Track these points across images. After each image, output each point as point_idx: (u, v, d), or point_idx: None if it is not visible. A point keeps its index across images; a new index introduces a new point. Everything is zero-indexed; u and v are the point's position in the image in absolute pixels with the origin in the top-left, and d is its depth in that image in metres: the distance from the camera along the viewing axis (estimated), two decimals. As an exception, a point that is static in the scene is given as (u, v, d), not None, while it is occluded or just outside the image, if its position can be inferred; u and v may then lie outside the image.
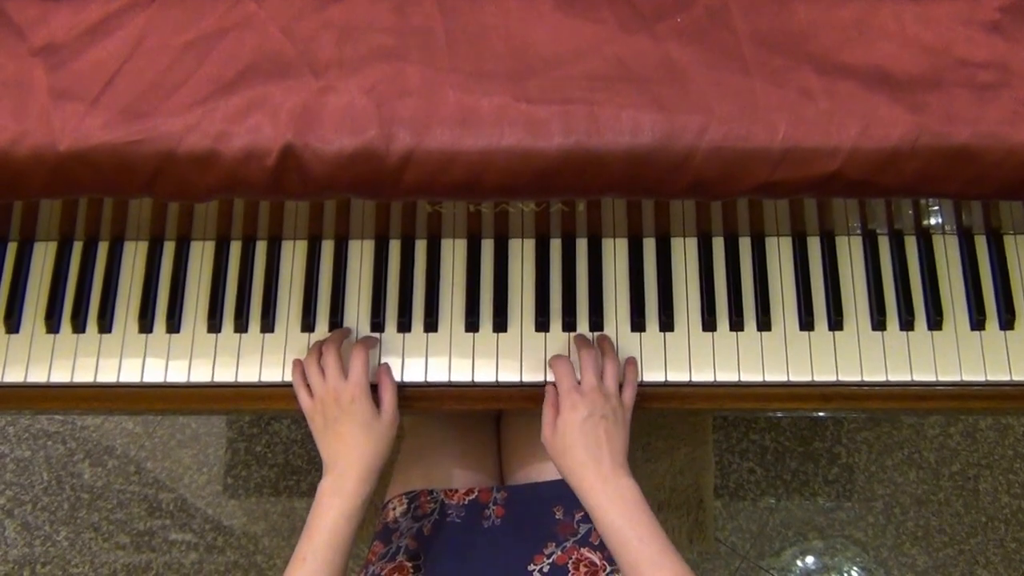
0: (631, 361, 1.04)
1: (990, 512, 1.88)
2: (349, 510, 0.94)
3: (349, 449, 0.96)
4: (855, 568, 1.85)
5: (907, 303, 1.05)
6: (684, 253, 1.08)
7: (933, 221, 1.06)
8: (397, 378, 1.05)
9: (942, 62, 0.81)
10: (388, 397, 1.01)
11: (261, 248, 1.10)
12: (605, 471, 0.92)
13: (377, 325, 1.07)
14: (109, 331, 1.07)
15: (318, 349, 1.02)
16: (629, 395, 0.99)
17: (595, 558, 1.04)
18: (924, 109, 0.79)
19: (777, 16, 0.84)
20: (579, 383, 0.97)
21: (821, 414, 1.09)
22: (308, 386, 1.01)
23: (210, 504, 1.93)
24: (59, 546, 1.91)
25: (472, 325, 1.06)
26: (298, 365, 1.03)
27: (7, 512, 1.94)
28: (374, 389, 1.01)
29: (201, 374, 1.06)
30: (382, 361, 1.06)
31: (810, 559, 1.86)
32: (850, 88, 0.81)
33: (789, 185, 0.81)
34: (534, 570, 1.03)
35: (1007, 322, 1.04)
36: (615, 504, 0.90)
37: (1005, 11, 0.82)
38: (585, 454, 0.93)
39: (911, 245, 1.07)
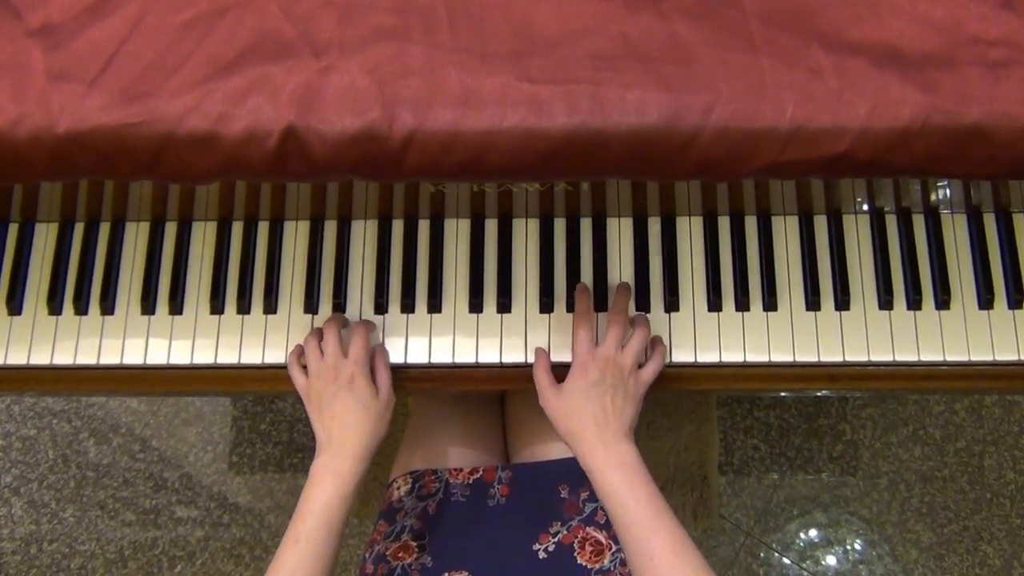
0: (658, 340, 1.03)
1: (995, 488, 1.88)
2: (344, 490, 0.93)
3: (346, 428, 0.95)
4: (859, 543, 1.86)
5: (915, 282, 1.04)
6: (689, 232, 1.08)
7: (941, 199, 1.05)
8: (401, 359, 1.05)
9: (953, 39, 0.80)
10: (383, 376, 1.00)
11: (263, 228, 1.09)
12: (607, 436, 0.92)
13: (380, 306, 1.06)
14: (112, 313, 1.07)
15: (318, 331, 1.01)
16: (649, 372, 0.98)
17: (600, 537, 1.04)
18: (935, 88, 0.78)
19: (785, -8, 0.83)
20: (597, 348, 0.96)
21: (826, 393, 1.08)
22: (301, 368, 1.01)
23: (215, 481, 1.94)
24: (66, 523, 1.93)
25: (476, 306, 1.06)
26: (296, 349, 1.03)
27: (14, 490, 1.95)
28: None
29: (204, 356, 1.06)
30: (387, 342, 1.05)
31: (814, 535, 1.87)
32: (859, 66, 0.80)
33: (797, 166, 0.80)
34: (539, 549, 1.03)
35: (1016, 301, 1.03)
36: (614, 468, 0.90)
37: (1018, -14, 0.81)
38: (590, 418, 0.93)
39: (919, 224, 1.06)
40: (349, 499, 0.94)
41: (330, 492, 0.93)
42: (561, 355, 1.03)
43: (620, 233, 1.08)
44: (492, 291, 1.06)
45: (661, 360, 1.00)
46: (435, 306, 1.06)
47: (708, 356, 1.04)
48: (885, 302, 1.04)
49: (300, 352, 1.02)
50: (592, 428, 0.92)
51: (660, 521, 0.87)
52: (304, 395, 1.00)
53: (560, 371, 0.99)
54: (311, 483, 0.94)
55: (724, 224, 1.07)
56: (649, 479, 0.90)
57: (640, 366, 0.98)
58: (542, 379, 0.98)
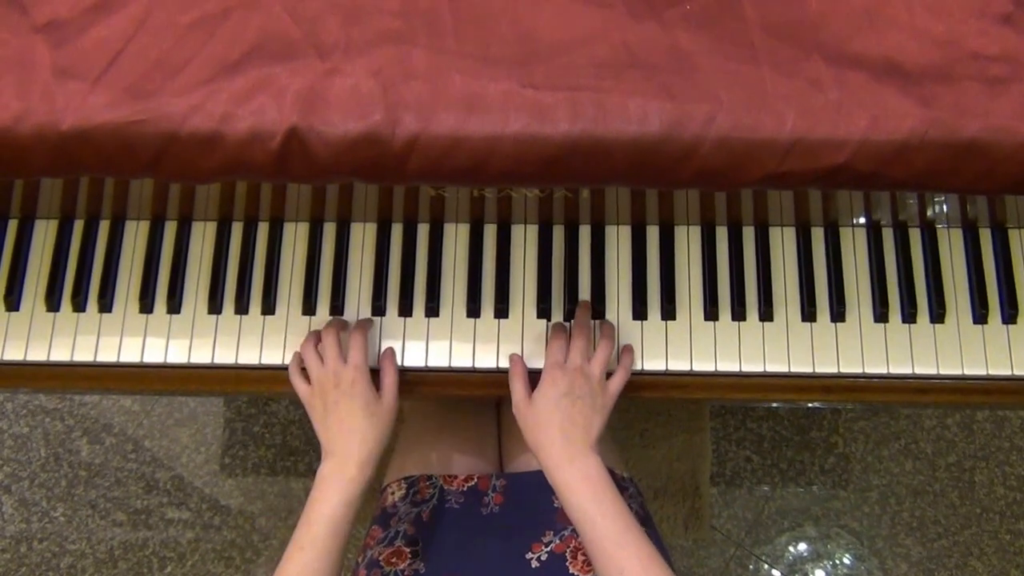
0: (628, 349, 1.03)
1: (985, 504, 1.89)
2: (350, 497, 0.93)
3: (350, 433, 0.95)
4: (848, 557, 1.86)
5: (910, 296, 1.04)
6: (687, 241, 1.08)
7: (938, 214, 1.06)
8: (398, 362, 1.05)
9: (953, 54, 0.80)
10: (389, 381, 1.00)
11: (263, 229, 1.10)
12: (573, 450, 0.92)
13: (378, 309, 1.06)
14: (110, 310, 1.07)
15: (315, 336, 1.01)
16: (616, 383, 0.99)
17: (592, 545, 1.04)
18: (934, 102, 0.79)
19: (788, 4, 0.83)
20: (565, 360, 0.97)
21: (820, 404, 1.09)
22: (303, 373, 1.01)
23: (207, 483, 1.94)
24: (56, 522, 1.92)
25: (474, 310, 1.06)
26: (295, 357, 1.03)
27: (4, 488, 1.94)
28: (374, 373, 1.01)
29: (201, 355, 1.06)
30: (384, 346, 1.06)
31: (804, 547, 1.87)
32: (860, 79, 0.80)
33: (796, 177, 0.80)
34: (532, 558, 1.03)
35: (1010, 316, 1.04)
36: (580, 483, 0.91)
37: (1018, 3, 0.82)
38: (558, 431, 0.93)
39: (915, 238, 1.07)
40: (355, 505, 0.94)
41: (336, 499, 0.93)
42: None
43: (618, 241, 1.08)
44: (490, 296, 1.07)
45: (627, 370, 1.01)
46: (433, 310, 1.06)
47: (704, 365, 1.04)
48: (881, 315, 1.04)
49: (300, 359, 1.02)
50: (559, 441, 0.93)
51: (628, 536, 0.88)
52: (307, 403, 1.00)
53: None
54: (317, 489, 0.94)
55: (722, 234, 1.08)
56: (616, 494, 0.91)
57: (609, 375, 0.99)
58: (518, 387, 0.98)
